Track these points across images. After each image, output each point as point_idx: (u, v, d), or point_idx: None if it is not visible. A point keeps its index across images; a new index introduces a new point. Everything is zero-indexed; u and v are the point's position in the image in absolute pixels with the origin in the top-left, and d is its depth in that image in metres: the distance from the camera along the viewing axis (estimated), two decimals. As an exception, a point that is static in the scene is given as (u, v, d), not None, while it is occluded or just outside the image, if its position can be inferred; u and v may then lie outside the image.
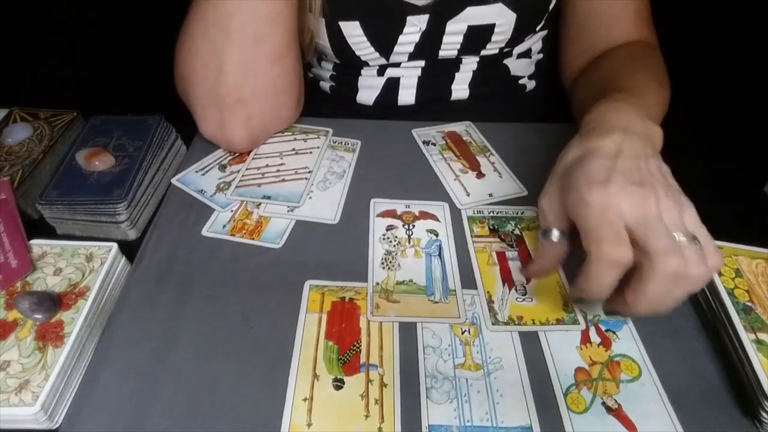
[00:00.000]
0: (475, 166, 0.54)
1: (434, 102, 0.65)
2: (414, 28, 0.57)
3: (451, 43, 0.58)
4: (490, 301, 0.41)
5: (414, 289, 0.42)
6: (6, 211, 0.44)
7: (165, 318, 0.40)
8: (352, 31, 0.57)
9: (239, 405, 0.35)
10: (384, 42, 0.58)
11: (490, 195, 0.51)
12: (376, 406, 0.35)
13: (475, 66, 0.62)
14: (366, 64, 0.62)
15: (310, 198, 0.50)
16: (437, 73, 0.62)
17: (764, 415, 0.34)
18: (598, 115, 0.40)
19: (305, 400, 0.35)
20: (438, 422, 0.34)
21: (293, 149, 0.56)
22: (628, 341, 0.39)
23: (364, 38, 0.57)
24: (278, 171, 0.53)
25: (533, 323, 0.40)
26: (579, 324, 0.40)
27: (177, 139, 0.55)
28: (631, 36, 0.56)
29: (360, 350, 0.38)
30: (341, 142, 0.57)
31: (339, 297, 0.41)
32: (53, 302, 0.37)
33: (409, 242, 0.46)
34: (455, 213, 0.49)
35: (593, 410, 0.35)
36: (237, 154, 0.55)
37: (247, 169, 0.53)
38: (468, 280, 0.43)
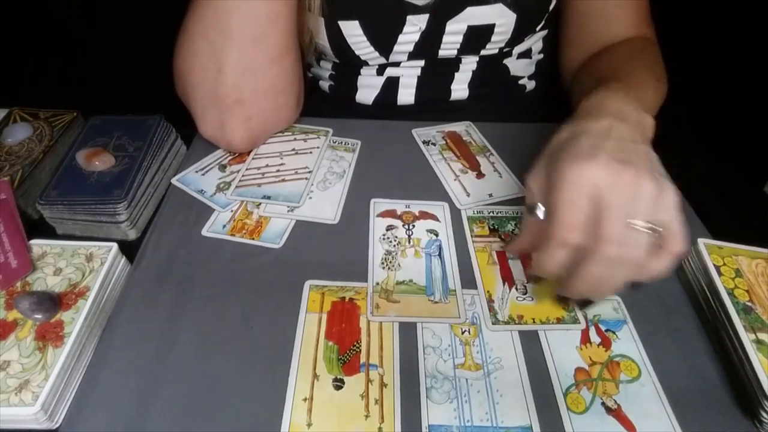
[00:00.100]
0: (475, 166, 0.54)
1: (434, 102, 0.65)
2: (414, 27, 0.57)
3: (450, 43, 0.58)
4: (490, 301, 0.41)
5: (414, 289, 0.42)
6: (6, 211, 0.44)
7: (165, 318, 0.40)
8: (352, 31, 0.57)
9: (239, 405, 0.35)
10: (383, 41, 0.58)
11: (490, 195, 0.51)
12: (376, 406, 0.35)
13: (474, 66, 0.62)
14: (365, 63, 0.62)
15: (310, 198, 0.50)
16: (437, 73, 0.62)
17: (764, 415, 0.34)
18: (593, 101, 0.41)
19: (305, 400, 0.35)
20: (438, 422, 0.34)
21: (293, 149, 0.56)
22: (627, 341, 0.39)
23: (364, 38, 0.57)
24: (278, 171, 0.53)
25: (533, 322, 0.40)
26: (579, 323, 0.40)
27: (177, 139, 0.55)
28: (630, 33, 0.57)
29: (360, 350, 0.38)
30: (341, 142, 0.57)
31: (339, 297, 0.41)
32: (53, 302, 0.37)
33: (409, 242, 0.46)
34: (455, 213, 0.49)
35: (593, 410, 0.35)
36: (237, 155, 0.55)
37: (247, 169, 0.53)
38: (468, 280, 0.43)
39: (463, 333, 0.39)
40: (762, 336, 0.36)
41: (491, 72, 0.63)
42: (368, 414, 0.34)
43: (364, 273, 0.43)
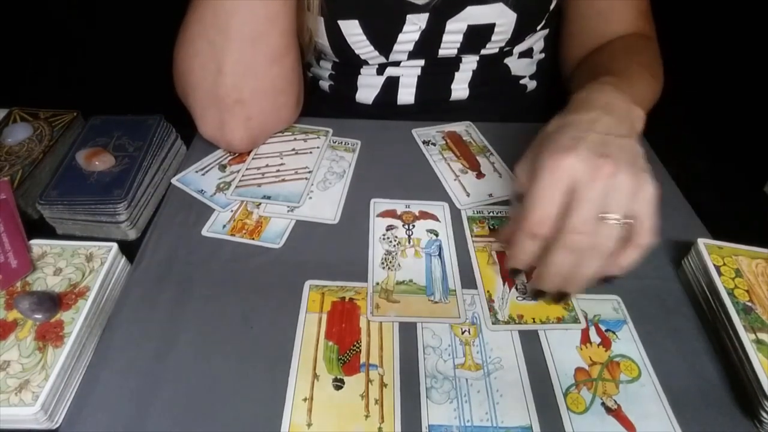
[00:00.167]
0: (475, 166, 0.54)
1: (434, 101, 0.64)
2: (414, 26, 0.56)
3: (450, 42, 0.58)
4: (490, 301, 0.41)
5: (414, 289, 0.42)
6: (6, 211, 0.44)
7: (165, 318, 0.40)
8: (352, 30, 0.57)
9: (239, 405, 0.35)
10: (383, 41, 0.58)
11: (490, 195, 0.51)
12: (376, 406, 0.35)
13: (475, 65, 0.62)
14: (365, 63, 0.62)
15: (310, 198, 0.50)
16: (437, 72, 0.62)
17: (764, 415, 0.34)
18: (583, 94, 0.42)
19: (305, 400, 0.35)
20: (438, 422, 0.34)
21: (293, 149, 0.56)
22: (627, 341, 0.39)
23: (364, 37, 0.57)
24: (278, 171, 0.53)
25: (533, 322, 0.40)
26: (579, 323, 0.40)
27: (177, 139, 0.55)
28: (629, 29, 0.57)
29: (360, 350, 0.38)
30: (341, 142, 0.57)
31: (339, 297, 0.41)
32: (53, 302, 0.37)
33: (409, 242, 0.46)
34: (455, 213, 0.49)
35: (593, 410, 0.35)
36: (237, 155, 0.55)
37: (247, 169, 0.53)
38: (468, 280, 0.43)
39: (463, 333, 0.39)
40: (762, 336, 0.36)
41: (492, 71, 0.63)
42: (368, 414, 0.34)
43: (364, 273, 0.43)
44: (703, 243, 0.42)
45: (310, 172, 0.53)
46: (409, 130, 0.59)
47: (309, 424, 0.33)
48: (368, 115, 0.62)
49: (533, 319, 0.40)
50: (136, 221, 0.48)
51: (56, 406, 0.34)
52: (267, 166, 0.53)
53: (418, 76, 0.63)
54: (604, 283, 0.37)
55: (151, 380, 0.36)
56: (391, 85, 0.63)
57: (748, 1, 0.82)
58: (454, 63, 0.62)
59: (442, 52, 0.59)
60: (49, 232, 0.48)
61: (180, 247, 0.45)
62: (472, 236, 0.47)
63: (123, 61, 0.91)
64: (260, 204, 0.49)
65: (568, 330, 0.39)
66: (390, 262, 0.44)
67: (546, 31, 0.63)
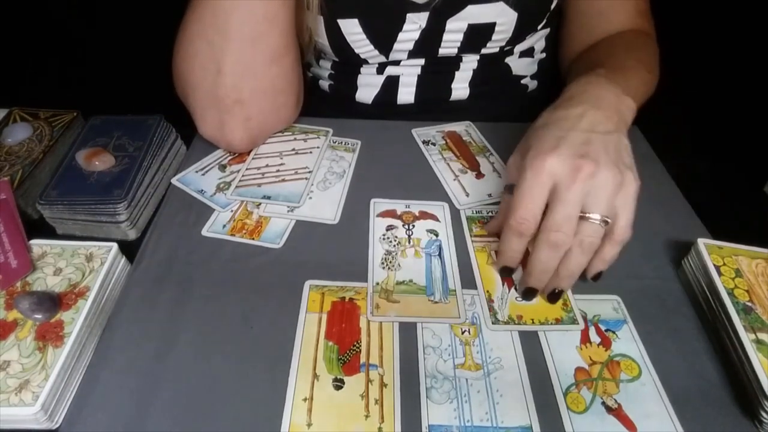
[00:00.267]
0: (474, 166, 0.54)
1: (434, 101, 0.64)
2: (414, 25, 0.56)
3: (451, 41, 0.58)
4: (489, 301, 0.41)
5: (414, 289, 0.42)
6: (6, 211, 0.44)
7: (165, 318, 0.40)
8: (351, 29, 0.57)
9: (239, 405, 0.35)
10: (383, 40, 0.58)
11: (490, 195, 0.51)
12: (376, 406, 0.35)
13: (475, 65, 0.62)
14: (365, 62, 0.62)
15: (310, 198, 0.50)
16: (437, 72, 0.62)
17: (764, 415, 0.34)
18: (575, 87, 0.42)
19: (305, 400, 0.35)
20: (438, 422, 0.34)
21: (293, 149, 0.56)
22: (628, 341, 0.39)
23: (364, 36, 0.57)
24: (278, 171, 0.53)
25: (533, 322, 0.40)
26: (578, 324, 0.40)
27: (177, 139, 0.55)
28: (627, 26, 0.58)
29: (360, 350, 0.38)
30: (341, 142, 0.57)
31: (339, 297, 0.41)
32: (53, 302, 0.37)
33: (409, 242, 0.46)
34: (455, 213, 0.49)
35: (593, 410, 0.35)
36: (237, 155, 0.55)
37: (247, 169, 0.53)
38: (468, 280, 0.43)
39: (463, 333, 0.39)
40: (762, 336, 0.36)
41: (492, 71, 0.63)
42: (368, 414, 0.34)
43: (364, 273, 0.43)
44: (703, 243, 0.42)
45: (310, 172, 0.53)
46: (409, 130, 0.59)
47: (309, 424, 0.33)
48: (368, 114, 0.62)
49: (533, 319, 0.40)
50: (136, 221, 0.48)
51: (56, 406, 0.34)
52: (267, 166, 0.53)
53: (418, 76, 0.62)
54: (593, 280, 0.38)
55: (151, 380, 0.36)
56: (391, 84, 0.63)
57: (748, 1, 0.82)
58: (454, 62, 0.62)
59: (443, 51, 0.59)
60: (49, 232, 0.48)
61: (180, 247, 0.45)
62: (471, 236, 0.47)
63: (123, 61, 0.91)
64: (260, 204, 0.49)
65: (567, 330, 0.39)
66: (390, 262, 0.44)
67: (547, 30, 0.63)
